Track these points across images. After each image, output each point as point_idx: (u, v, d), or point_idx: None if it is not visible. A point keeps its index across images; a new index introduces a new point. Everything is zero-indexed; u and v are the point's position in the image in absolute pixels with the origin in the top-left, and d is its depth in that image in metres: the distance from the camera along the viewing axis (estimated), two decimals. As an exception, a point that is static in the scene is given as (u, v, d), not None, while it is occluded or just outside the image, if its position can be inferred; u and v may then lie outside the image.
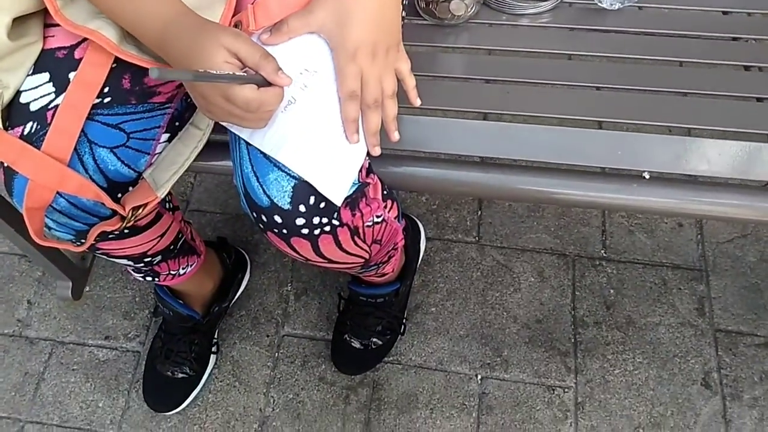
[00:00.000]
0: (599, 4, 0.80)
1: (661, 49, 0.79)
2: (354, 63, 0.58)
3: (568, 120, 0.72)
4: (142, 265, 0.85)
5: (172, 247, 0.86)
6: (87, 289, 1.17)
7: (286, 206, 0.59)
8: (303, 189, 0.59)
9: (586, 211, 1.20)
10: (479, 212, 1.21)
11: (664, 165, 0.69)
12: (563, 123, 0.72)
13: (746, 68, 0.77)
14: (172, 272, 0.92)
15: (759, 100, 0.73)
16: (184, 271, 0.94)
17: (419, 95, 0.66)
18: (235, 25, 0.61)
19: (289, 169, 0.58)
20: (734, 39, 0.80)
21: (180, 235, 0.87)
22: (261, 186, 0.59)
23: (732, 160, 0.68)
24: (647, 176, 0.68)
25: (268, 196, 0.59)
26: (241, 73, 0.54)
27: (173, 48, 0.56)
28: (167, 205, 0.82)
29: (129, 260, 0.82)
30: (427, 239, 1.17)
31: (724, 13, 0.83)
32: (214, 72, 0.52)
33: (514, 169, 0.73)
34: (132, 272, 0.90)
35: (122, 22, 0.59)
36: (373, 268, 0.83)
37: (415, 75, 0.65)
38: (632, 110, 0.72)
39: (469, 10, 0.78)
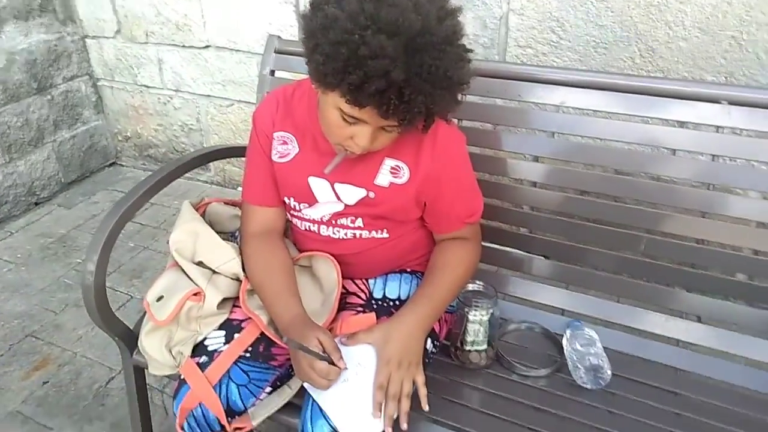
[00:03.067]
0: (577, 381, 1.13)
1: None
2: (387, 367, 0.97)
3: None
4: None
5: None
6: None
7: (322, 442, 0.93)
8: (334, 435, 0.93)
9: None
10: None
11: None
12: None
13: None
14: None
15: None
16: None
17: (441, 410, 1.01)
18: (330, 329, 1.06)
19: (330, 420, 0.94)
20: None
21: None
22: (311, 426, 0.95)
23: None
24: None
25: (313, 432, 0.94)
26: (323, 354, 0.95)
27: (292, 331, 1.00)
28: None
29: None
30: None
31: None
32: (311, 348, 0.94)
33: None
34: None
35: (270, 312, 1.07)
36: None
37: (441, 398, 1.00)
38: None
39: (482, 361, 1.16)
